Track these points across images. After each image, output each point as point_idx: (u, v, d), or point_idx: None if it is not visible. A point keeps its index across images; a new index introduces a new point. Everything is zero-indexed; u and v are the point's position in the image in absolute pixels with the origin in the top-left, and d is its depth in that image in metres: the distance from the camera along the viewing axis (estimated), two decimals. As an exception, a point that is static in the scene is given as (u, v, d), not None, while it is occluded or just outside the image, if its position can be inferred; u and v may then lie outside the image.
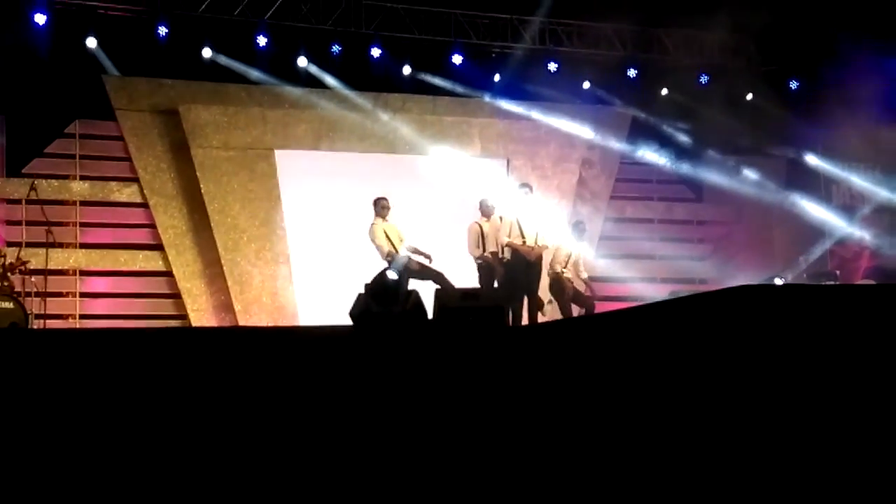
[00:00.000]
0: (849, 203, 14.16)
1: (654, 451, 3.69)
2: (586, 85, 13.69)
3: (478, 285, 10.45)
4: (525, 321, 10.19)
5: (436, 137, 13.03)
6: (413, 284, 9.76)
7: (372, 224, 10.57)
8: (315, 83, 12.81)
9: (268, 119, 12.64)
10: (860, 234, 13.56)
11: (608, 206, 14.00)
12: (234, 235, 12.31)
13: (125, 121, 12.26)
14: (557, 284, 10.94)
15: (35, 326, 10.25)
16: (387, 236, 10.56)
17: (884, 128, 12.75)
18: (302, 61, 12.70)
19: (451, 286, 9.77)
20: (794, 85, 14.25)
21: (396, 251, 10.52)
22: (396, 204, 10.80)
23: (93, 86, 12.04)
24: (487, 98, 13.47)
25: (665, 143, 14.10)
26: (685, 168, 14.35)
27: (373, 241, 10.54)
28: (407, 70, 13.15)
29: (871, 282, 12.14)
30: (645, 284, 13.35)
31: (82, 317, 11.79)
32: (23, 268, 10.05)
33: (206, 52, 12.33)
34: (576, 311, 10.85)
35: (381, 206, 10.64)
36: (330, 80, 12.79)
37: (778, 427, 3.50)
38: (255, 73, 12.54)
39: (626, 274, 13.62)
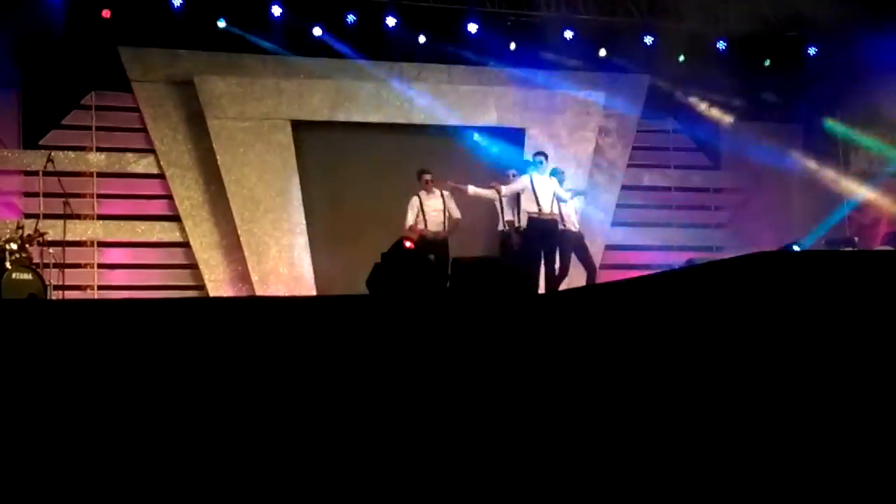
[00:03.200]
0: (867, 169, 14.05)
1: (672, 423, 3.69)
2: (602, 52, 13.56)
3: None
4: (542, 289, 10.21)
5: (452, 107, 12.97)
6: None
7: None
8: (330, 53, 12.74)
9: (283, 89, 12.62)
10: (879, 200, 13.48)
11: (625, 174, 13.93)
12: (251, 206, 12.33)
13: (141, 92, 12.28)
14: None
15: (53, 297, 10.33)
16: (421, 209, 10.73)
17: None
18: (317, 31, 12.60)
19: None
20: (812, 51, 14.10)
21: (423, 225, 10.66)
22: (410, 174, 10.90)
23: (108, 57, 12.03)
24: (503, 66, 13.36)
25: (682, 110, 14.03)
26: (702, 135, 14.28)
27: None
28: (422, 39, 13.02)
29: (890, 248, 12.07)
30: (662, 252, 13.33)
31: (100, 287, 11.87)
32: (41, 239, 10.14)
33: (221, 23, 12.26)
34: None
35: (421, 180, 10.83)
36: (345, 49, 12.73)
37: (798, 394, 3.49)
38: (269, 44, 12.48)
39: (642, 242, 13.62)
